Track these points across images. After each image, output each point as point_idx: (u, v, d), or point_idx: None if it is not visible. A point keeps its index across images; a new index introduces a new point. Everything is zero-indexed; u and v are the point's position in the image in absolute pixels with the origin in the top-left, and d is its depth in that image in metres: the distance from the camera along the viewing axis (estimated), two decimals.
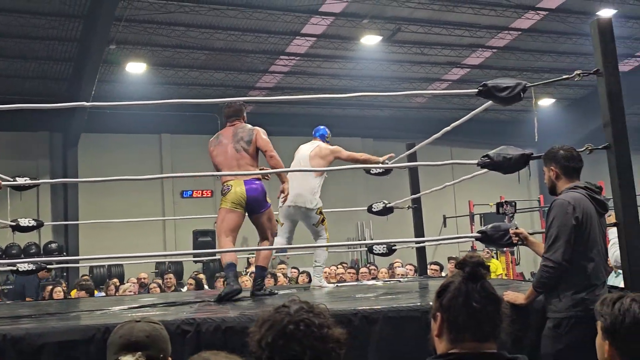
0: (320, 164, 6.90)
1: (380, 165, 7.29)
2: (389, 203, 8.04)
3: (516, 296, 4.18)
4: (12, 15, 13.34)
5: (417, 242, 8.00)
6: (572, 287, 3.99)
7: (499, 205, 5.19)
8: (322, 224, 6.90)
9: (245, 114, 6.31)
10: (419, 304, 4.38)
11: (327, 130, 7.34)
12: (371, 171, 7.59)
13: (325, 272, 11.04)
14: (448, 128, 6.23)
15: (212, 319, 3.94)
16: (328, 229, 6.97)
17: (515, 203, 5.32)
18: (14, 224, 6.72)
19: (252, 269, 12.10)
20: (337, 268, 12.34)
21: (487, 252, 13.97)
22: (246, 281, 10.31)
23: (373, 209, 8.06)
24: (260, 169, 6.18)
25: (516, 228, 4.71)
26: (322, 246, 6.97)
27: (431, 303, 2.33)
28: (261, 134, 6.02)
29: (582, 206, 4.05)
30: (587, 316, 3.75)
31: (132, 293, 10.44)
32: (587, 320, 3.70)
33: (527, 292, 4.17)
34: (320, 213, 6.85)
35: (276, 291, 6.22)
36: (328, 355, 2.05)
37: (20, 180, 6.01)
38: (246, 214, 6.01)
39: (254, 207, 5.98)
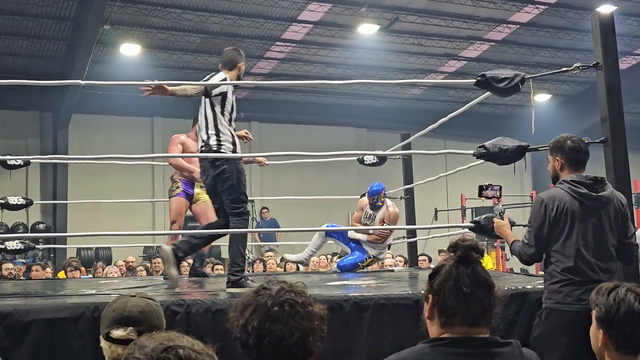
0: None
1: (372, 152, 7.33)
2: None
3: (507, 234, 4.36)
4: None
5: (408, 232, 7.99)
6: (548, 279, 4.01)
7: (481, 188, 5.01)
8: None
9: None
10: (410, 292, 4.41)
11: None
12: (365, 162, 7.55)
13: (314, 261, 11.07)
14: (445, 119, 6.23)
15: (202, 301, 3.95)
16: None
17: (500, 187, 5.11)
18: (3, 201, 6.71)
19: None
20: (332, 257, 12.34)
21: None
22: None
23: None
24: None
25: (501, 213, 4.62)
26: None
27: (422, 291, 2.32)
28: None
29: (558, 203, 3.94)
30: (556, 310, 3.83)
31: (116, 275, 10.44)
32: (557, 313, 3.80)
33: (510, 236, 4.31)
34: None
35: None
36: (314, 332, 2.04)
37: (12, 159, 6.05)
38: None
39: None
